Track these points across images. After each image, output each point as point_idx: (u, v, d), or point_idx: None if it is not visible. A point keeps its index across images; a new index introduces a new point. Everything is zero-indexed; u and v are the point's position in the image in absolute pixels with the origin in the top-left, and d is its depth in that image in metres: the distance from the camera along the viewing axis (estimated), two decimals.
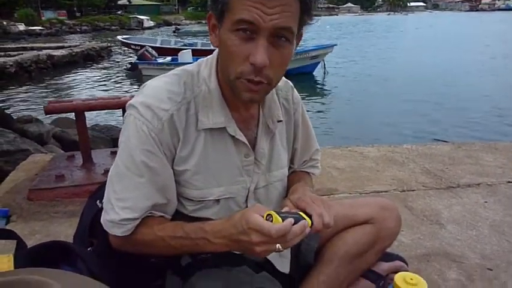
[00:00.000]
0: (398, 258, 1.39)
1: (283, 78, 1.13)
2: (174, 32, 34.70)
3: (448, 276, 1.61)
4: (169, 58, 13.73)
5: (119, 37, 19.28)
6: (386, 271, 1.33)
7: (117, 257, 0.98)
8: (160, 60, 13.62)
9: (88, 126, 2.73)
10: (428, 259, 1.72)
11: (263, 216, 0.80)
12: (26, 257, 0.93)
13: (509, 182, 2.54)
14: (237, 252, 1.04)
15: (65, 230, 1.89)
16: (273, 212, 0.80)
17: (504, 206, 2.21)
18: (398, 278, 1.02)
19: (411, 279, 1.02)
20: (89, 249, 1.06)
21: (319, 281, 1.19)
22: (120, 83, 13.94)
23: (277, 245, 0.78)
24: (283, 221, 0.79)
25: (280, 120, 1.07)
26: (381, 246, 1.26)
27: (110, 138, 5.57)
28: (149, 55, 13.63)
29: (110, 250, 0.98)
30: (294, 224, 0.79)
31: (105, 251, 0.99)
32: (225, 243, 0.84)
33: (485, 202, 2.27)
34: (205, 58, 1.00)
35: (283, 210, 0.87)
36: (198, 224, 0.88)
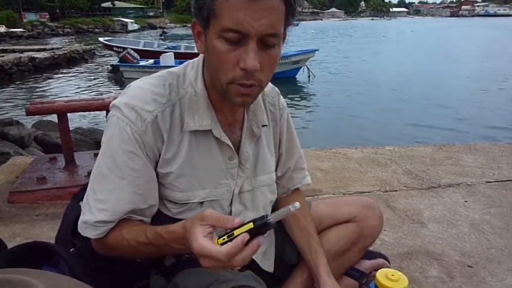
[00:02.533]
0: (381, 256, 1.41)
1: (270, 84, 1.14)
2: (160, 35, 34.29)
3: (429, 273, 1.64)
4: (151, 61, 13.64)
5: (101, 39, 18.99)
6: (369, 269, 1.35)
7: (100, 258, 0.97)
8: (142, 63, 13.51)
9: (71, 129, 2.69)
10: (410, 257, 1.75)
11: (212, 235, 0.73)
12: (6, 258, 0.91)
13: (488, 182, 2.60)
14: None
15: (46, 233, 1.86)
16: (215, 238, 0.73)
17: (483, 205, 2.26)
18: (380, 274, 1.04)
19: (392, 275, 1.03)
20: (71, 250, 1.04)
21: (303, 279, 1.20)
22: (102, 85, 13.80)
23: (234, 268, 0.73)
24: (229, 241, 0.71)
25: (265, 125, 1.07)
26: (364, 245, 1.27)
27: (94, 142, 5.51)
28: (131, 58, 13.49)
29: (92, 251, 0.97)
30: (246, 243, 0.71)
31: (88, 252, 0.97)
32: (186, 248, 0.79)
33: (465, 201, 2.31)
34: (192, 61, 0.99)
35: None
36: (158, 231, 0.85)
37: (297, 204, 0.70)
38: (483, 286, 1.56)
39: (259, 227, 0.71)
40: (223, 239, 0.72)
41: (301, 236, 1.18)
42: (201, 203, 0.98)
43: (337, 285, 1.10)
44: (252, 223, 0.71)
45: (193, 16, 0.85)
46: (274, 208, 1.17)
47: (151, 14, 73.82)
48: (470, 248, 1.82)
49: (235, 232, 0.71)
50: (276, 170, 1.17)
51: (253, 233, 0.71)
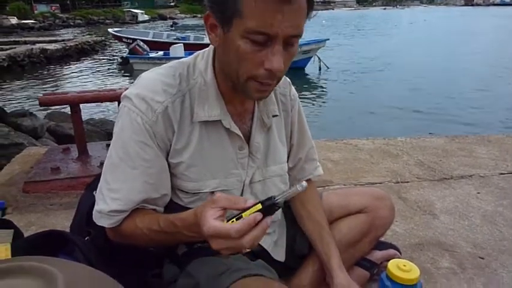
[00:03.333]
0: (392, 246, 1.41)
1: None
2: (171, 26, 34.23)
3: (440, 264, 1.63)
4: (161, 52, 13.65)
5: (110, 30, 19.05)
6: (380, 259, 1.35)
7: (115, 247, 0.99)
8: (151, 55, 13.54)
9: (83, 120, 2.71)
10: (421, 248, 1.75)
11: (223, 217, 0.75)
12: (23, 246, 0.93)
13: (501, 173, 2.57)
14: None
15: (61, 222, 1.90)
16: (224, 220, 0.74)
17: (496, 197, 2.24)
18: (391, 264, 1.04)
19: (404, 265, 1.04)
20: (86, 238, 1.06)
21: (314, 269, 1.21)
22: (113, 77, 13.88)
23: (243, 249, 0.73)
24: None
25: (276, 115, 1.07)
26: (375, 235, 1.28)
27: (105, 133, 5.56)
28: (140, 49, 13.53)
29: (107, 240, 0.98)
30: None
31: (103, 240, 0.99)
32: (199, 236, 0.81)
33: (478, 193, 2.29)
34: (202, 51, 0.99)
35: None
36: (170, 218, 0.86)
37: (304, 183, 0.72)
38: (495, 277, 1.55)
39: (267, 208, 0.73)
40: (232, 221, 0.73)
41: (313, 228, 1.18)
42: (212, 192, 0.99)
43: (349, 278, 1.10)
44: (260, 204, 0.73)
45: (207, 9, 0.84)
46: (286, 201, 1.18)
47: (161, 4, 73.72)
48: (482, 240, 1.81)
49: (244, 214, 0.73)
50: (287, 161, 1.18)
51: (262, 214, 0.73)
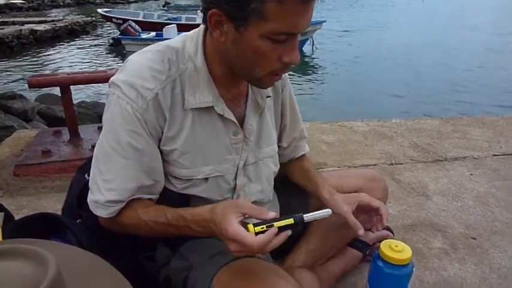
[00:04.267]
0: (385, 227, 1.43)
1: None
2: (163, 6, 33.59)
3: (432, 244, 1.66)
4: (153, 33, 13.42)
5: (99, 10, 18.64)
6: (373, 240, 1.37)
7: (106, 229, 0.99)
8: (144, 36, 13.31)
9: (74, 103, 2.69)
10: (414, 229, 1.77)
11: (245, 225, 0.78)
12: (14, 229, 0.93)
13: (495, 155, 2.59)
14: None
15: (52, 205, 1.89)
16: (251, 226, 0.78)
17: (489, 178, 2.26)
18: (384, 245, 1.06)
19: (396, 246, 1.05)
20: (77, 221, 1.06)
21: (308, 250, 1.23)
22: (105, 58, 13.71)
23: (257, 254, 0.79)
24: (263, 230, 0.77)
25: (269, 96, 1.07)
26: None
27: (97, 115, 5.53)
28: (133, 30, 13.25)
29: (99, 222, 0.99)
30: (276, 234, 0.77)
31: (94, 223, 0.99)
32: (208, 232, 0.85)
33: (471, 175, 2.32)
34: (189, 34, 0.97)
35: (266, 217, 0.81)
36: (180, 212, 0.88)
37: (330, 211, 0.83)
38: (486, 257, 1.58)
39: (295, 224, 0.79)
40: (262, 228, 0.77)
41: (302, 174, 1.23)
42: (206, 179, 0.99)
43: (342, 199, 1.13)
44: (292, 219, 0.78)
45: (212, 5, 0.80)
46: (277, 178, 1.19)
47: None
48: (474, 221, 1.84)
49: (275, 224, 0.77)
50: (281, 141, 1.18)
51: (287, 228, 0.78)
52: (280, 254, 1.22)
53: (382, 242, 1.08)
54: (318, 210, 0.83)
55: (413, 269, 1.06)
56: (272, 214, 0.79)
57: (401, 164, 2.48)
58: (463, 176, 2.30)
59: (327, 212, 0.81)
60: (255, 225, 0.77)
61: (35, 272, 0.48)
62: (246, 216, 0.79)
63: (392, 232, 1.49)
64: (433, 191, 2.13)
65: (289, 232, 0.78)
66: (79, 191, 1.07)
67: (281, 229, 0.77)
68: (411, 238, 1.70)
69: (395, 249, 1.04)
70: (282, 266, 1.19)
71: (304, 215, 0.79)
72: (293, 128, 1.21)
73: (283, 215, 1.22)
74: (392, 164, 2.47)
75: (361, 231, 1.07)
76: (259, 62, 0.83)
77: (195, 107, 0.92)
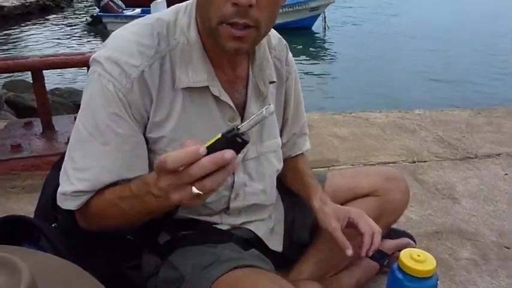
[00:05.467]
0: (406, 235, 1.44)
1: (278, 35, 1.13)
2: None
3: (460, 255, 1.67)
4: (138, 10, 13.36)
5: None
6: (391, 249, 1.38)
7: (86, 234, 0.99)
8: (128, 13, 13.25)
9: (47, 90, 2.69)
10: (439, 237, 1.78)
11: None
12: None
13: None
14: (223, 228, 1.08)
15: (24, 207, 1.90)
16: None
17: None
18: (404, 254, 1.06)
19: (418, 255, 1.05)
20: (53, 225, 1.07)
21: (316, 261, 1.23)
22: (82, 39, 13.66)
23: (193, 188, 0.66)
24: None
25: (273, 81, 1.07)
26: (386, 222, 1.30)
27: (74, 104, 5.53)
28: (115, 6, 13.17)
29: (77, 226, 0.99)
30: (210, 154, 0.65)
31: (72, 227, 0.99)
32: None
33: (506, 174, 2.32)
34: (182, 5, 0.98)
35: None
36: (144, 176, 0.83)
37: (271, 107, 0.69)
38: None
39: (229, 139, 0.67)
40: None
41: (295, 176, 1.24)
42: None
43: (332, 211, 1.14)
44: (220, 134, 0.68)
45: None
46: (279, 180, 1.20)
47: None
48: (509, 228, 1.84)
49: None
50: (280, 135, 1.19)
51: (222, 147, 0.66)
52: (285, 264, 1.23)
53: (402, 251, 1.08)
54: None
55: (438, 282, 1.07)
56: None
57: (425, 161, 2.48)
58: (496, 176, 2.30)
59: (267, 110, 0.68)
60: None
61: (7, 282, 0.49)
62: None
63: (414, 240, 1.50)
64: (461, 193, 2.13)
65: (227, 153, 0.64)
66: (54, 191, 1.08)
67: (217, 148, 0.65)
68: (436, 247, 1.71)
69: (417, 260, 1.04)
70: (286, 278, 1.21)
71: (240, 125, 0.68)
72: (295, 122, 1.22)
73: (288, 222, 1.24)
74: (414, 162, 2.47)
75: (349, 252, 1.08)
76: (209, 6, 0.84)
77: (187, 86, 0.93)
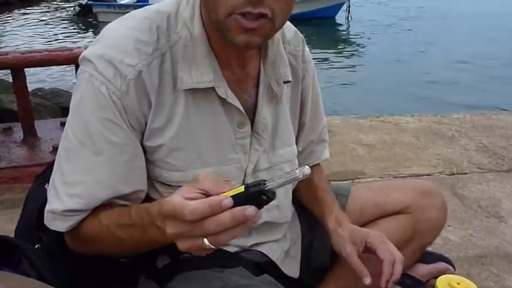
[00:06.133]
0: (443, 259, 1.43)
1: (293, 27, 1.14)
2: None
3: (508, 283, 1.65)
4: None
5: None
6: (426, 275, 1.37)
7: (74, 257, 1.00)
8: (123, 1, 13.41)
9: (30, 90, 2.72)
10: (482, 262, 1.76)
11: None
12: None
13: None
14: (230, 250, 1.08)
15: (3, 225, 1.92)
16: None
17: None
18: (441, 282, 1.06)
19: (458, 283, 1.05)
20: (36, 246, 1.08)
21: (338, 287, 1.23)
22: (69, 32, 13.80)
23: (204, 240, 0.68)
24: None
25: (288, 81, 1.07)
26: (420, 244, 1.30)
27: (59, 107, 5.57)
28: None
29: (64, 247, 0.99)
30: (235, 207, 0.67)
31: (58, 248, 1.00)
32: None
33: None
34: None
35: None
36: (146, 205, 0.84)
37: (307, 168, 0.69)
38: None
39: (252, 195, 0.68)
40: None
41: (309, 191, 1.25)
42: None
43: (348, 234, 1.14)
44: (243, 186, 0.69)
45: None
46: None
47: None
48: None
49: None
50: (296, 143, 1.19)
51: (244, 201, 0.68)
52: None
53: (439, 278, 1.08)
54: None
55: None
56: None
57: (466, 173, 2.47)
58: None
59: (301, 171, 0.69)
60: None
61: None
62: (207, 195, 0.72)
63: (452, 265, 1.49)
64: (508, 210, 2.11)
65: (251, 210, 0.66)
66: (38, 207, 1.09)
67: (239, 203, 0.68)
68: (478, 274, 1.69)
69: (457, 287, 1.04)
70: None
71: (267, 180, 0.70)
72: (312, 127, 1.22)
73: (306, 243, 1.24)
74: (453, 174, 2.46)
75: (366, 280, 1.07)
76: None
77: (190, 87, 0.93)
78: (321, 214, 1.21)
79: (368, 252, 1.11)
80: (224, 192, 0.69)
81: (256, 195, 0.68)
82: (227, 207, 0.66)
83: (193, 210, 0.67)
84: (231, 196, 0.68)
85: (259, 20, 0.84)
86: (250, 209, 0.66)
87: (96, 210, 0.93)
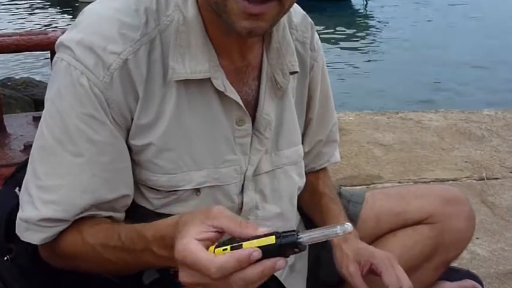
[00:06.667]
0: (470, 276, 1.43)
1: (301, 10, 1.14)
2: None
3: None
4: None
5: None
6: None
7: (48, 270, 1.00)
8: None
9: None
10: None
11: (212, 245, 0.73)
12: None
13: None
14: None
15: None
16: (211, 247, 0.72)
17: None
18: None
19: None
20: (5, 258, 1.08)
21: None
22: (44, 14, 13.80)
23: None
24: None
25: (295, 72, 1.07)
26: (444, 258, 1.30)
27: (31, 99, 5.58)
28: None
29: (37, 260, 0.99)
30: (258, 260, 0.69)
31: (30, 261, 1.00)
32: (173, 258, 0.78)
33: None
34: None
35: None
36: (137, 228, 0.86)
37: (349, 226, 0.70)
38: None
39: (283, 246, 0.70)
40: (225, 249, 0.71)
41: (312, 198, 1.26)
42: (197, 189, 0.99)
43: (353, 252, 1.14)
44: (274, 237, 0.70)
45: None
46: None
47: None
48: None
49: (245, 244, 0.71)
50: (301, 142, 1.19)
51: (272, 252, 0.69)
52: None
53: None
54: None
55: None
56: (264, 230, 0.72)
57: (497, 178, 2.47)
58: None
59: (342, 229, 0.70)
60: (218, 245, 0.73)
61: None
62: (225, 234, 0.75)
63: (481, 283, 1.49)
64: None
65: (280, 263, 0.69)
66: (7, 214, 1.08)
67: (266, 254, 0.69)
68: None
69: None
70: None
71: (300, 232, 0.71)
72: (321, 124, 1.23)
73: (313, 257, 1.24)
74: (482, 179, 2.46)
75: None
76: None
77: (183, 78, 0.93)
78: (324, 225, 1.19)
79: (373, 274, 1.11)
80: (250, 237, 0.71)
81: (288, 247, 0.70)
82: (255, 259, 0.68)
83: (220, 269, 0.68)
84: (259, 247, 0.69)
85: (266, 4, 0.83)
86: (280, 262, 0.68)
87: (79, 224, 0.92)
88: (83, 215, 0.92)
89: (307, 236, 0.70)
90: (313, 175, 1.27)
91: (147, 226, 0.84)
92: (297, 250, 0.70)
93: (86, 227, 0.92)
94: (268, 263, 0.68)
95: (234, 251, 0.69)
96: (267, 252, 0.69)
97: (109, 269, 0.93)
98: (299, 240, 0.69)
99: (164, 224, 0.83)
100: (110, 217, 0.96)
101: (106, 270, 0.95)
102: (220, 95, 0.96)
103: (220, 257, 0.69)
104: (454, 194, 1.34)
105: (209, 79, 0.94)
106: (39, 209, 0.90)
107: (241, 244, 0.71)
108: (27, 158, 0.96)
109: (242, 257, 0.68)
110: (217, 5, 0.84)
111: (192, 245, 0.71)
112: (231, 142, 1.01)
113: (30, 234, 0.92)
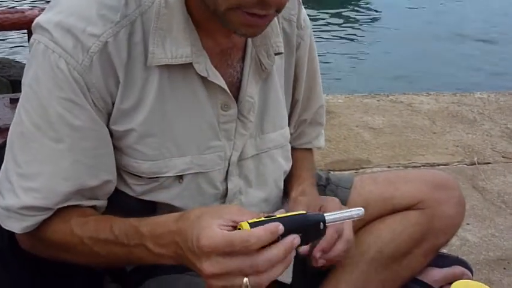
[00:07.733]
0: (459, 262, 1.44)
1: None
2: None
3: None
4: None
5: None
6: (440, 281, 1.39)
7: (28, 259, 1.00)
8: None
9: None
10: (505, 265, 1.78)
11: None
12: None
13: None
14: None
15: None
16: (244, 223, 0.76)
17: None
18: (456, 287, 1.07)
19: None
20: None
21: None
22: None
23: (245, 279, 0.72)
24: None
25: (280, 53, 1.08)
26: (434, 244, 1.31)
27: (8, 81, 5.53)
28: None
29: (15, 249, 1.00)
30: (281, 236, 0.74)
31: (9, 250, 1.01)
32: (171, 256, 0.83)
33: None
34: None
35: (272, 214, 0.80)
36: (132, 222, 0.87)
37: (362, 210, 0.81)
38: None
39: (311, 223, 0.78)
40: (259, 219, 0.76)
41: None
42: (180, 177, 1.00)
43: (306, 202, 1.15)
44: (305, 211, 0.79)
45: None
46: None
47: None
48: None
49: (279, 215, 0.77)
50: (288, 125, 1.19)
51: (296, 231, 0.75)
52: None
53: (454, 283, 1.09)
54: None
55: None
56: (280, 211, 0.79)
57: (489, 163, 2.49)
58: None
59: (357, 213, 0.84)
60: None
61: None
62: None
63: (470, 269, 1.50)
64: None
65: (296, 239, 0.74)
66: None
67: (287, 229, 0.75)
68: (500, 279, 1.72)
69: None
70: None
71: (327, 214, 0.80)
72: (307, 105, 1.24)
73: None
74: (473, 164, 2.48)
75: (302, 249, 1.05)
76: None
77: (163, 63, 0.93)
78: (290, 187, 1.21)
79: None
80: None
81: (315, 223, 0.79)
82: (280, 233, 0.73)
83: (259, 237, 0.72)
84: (284, 217, 0.77)
85: (266, 17, 0.87)
86: (297, 239, 0.74)
87: (66, 213, 0.93)
88: (66, 203, 0.92)
89: (331, 217, 0.79)
90: (293, 151, 1.27)
91: (143, 221, 0.86)
92: (320, 231, 0.79)
93: (74, 216, 0.93)
94: (286, 239, 0.73)
95: (257, 228, 0.74)
96: (290, 226, 0.75)
97: (97, 262, 0.95)
98: (325, 219, 0.78)
99: (162, 220, 0.85)
100: (93, 207, 0.97)
101: (93, 263, 0.96)
102: (204, 79, 0.97)
103: (255, 229, 0.73)
104: (444, 179, 1.35)
105: (191, 64, 0.94)
106: (19, 197, 0.90)
107: (275, 214, 0.77)
108: (4, 141, 0.96)
109: (273, 228, 0.72)
110: (216, 11, 0.86)
111: (220, 229, 0.74)
112: (215, 128, 1.01)
113: (11, 223, 0.93)
